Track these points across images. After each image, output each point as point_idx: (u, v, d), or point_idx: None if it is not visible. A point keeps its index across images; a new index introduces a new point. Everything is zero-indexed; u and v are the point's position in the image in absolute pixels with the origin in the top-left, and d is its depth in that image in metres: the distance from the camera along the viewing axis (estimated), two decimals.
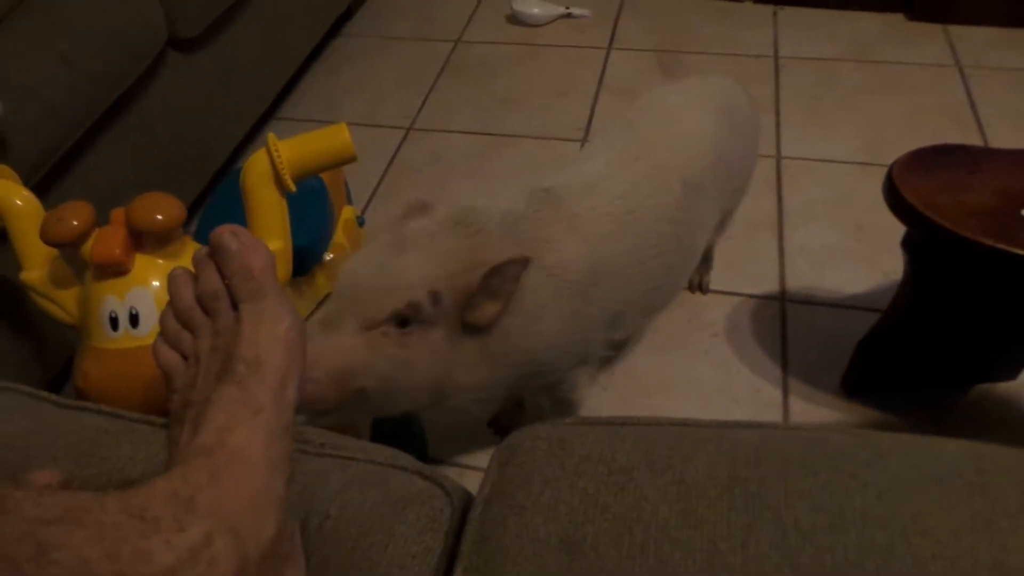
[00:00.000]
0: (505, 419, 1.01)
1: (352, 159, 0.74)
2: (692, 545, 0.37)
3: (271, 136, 0.72)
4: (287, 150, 0.71)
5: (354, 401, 0.62)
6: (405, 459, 0.51)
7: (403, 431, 0.92)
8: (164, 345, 0.48)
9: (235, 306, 0.45)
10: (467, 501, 0.48)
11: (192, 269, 0.49)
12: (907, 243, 0.84)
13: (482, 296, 0.63)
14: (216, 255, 0.46)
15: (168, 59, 1.17)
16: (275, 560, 0.40)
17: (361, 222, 1.21)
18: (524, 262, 0.64)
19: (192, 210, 1.29)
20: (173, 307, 0.48)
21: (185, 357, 0.47)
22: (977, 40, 1.64)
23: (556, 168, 0.83)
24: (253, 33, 1.37)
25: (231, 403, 0.41)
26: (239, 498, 0.38)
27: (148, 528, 0.34)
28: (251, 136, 1.48)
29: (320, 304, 1.06)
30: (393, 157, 1.48)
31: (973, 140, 1.41)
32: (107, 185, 1.07)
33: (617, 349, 1.08)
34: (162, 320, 0.49)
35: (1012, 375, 0.98)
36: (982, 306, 0.82)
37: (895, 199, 0.79)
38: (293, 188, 0.73)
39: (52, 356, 0.96)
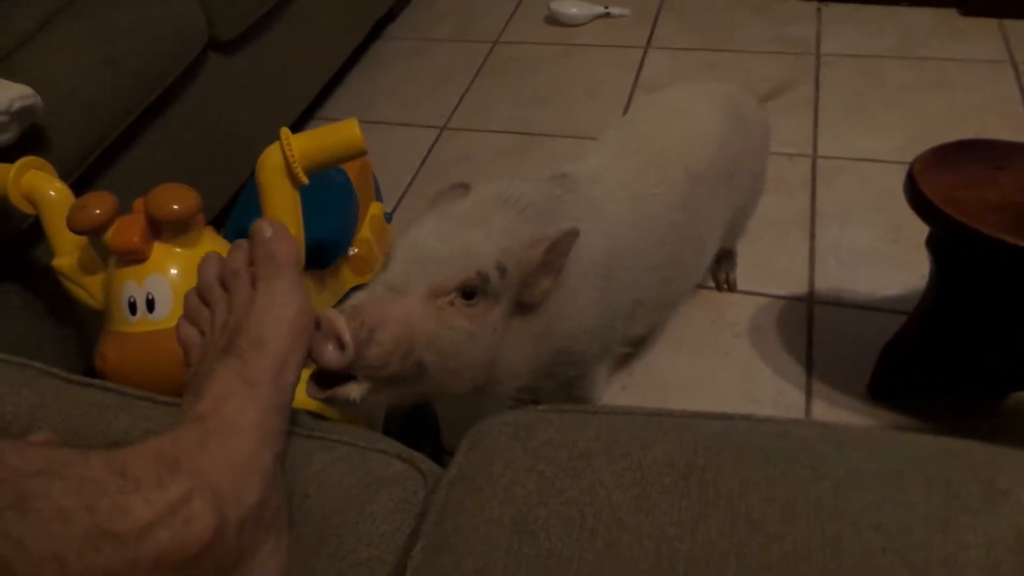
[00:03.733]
0: None
1: (362, 153, 0.75)
2: (641, 531, 0.37)
3: (284, 130, 0.75)
4: (299, 144, 0.73)
5: (413, 375, 0.59)
6: (386, 443, 0.53)
7: (416, 424, 0.94)
8: (185, 322, 0.52)
9: (253, 284, 0.48)
10: None
11: (207, 252, 0.53)
12: (931, 242, 0.81)
13: (541, 272, 0.64)
14: (251, 241, 0.50)
15: (208, 60, 1.22)
16: (256, 528, 0.42)
17: (388, 218, 1.23)
18: (574, 235, 0.64)
19: (230, 205, 1.34)
20: (198, 284, 0.52)
21: (203, 333, 0.51)
22: None
23: (566, 160, 0.84)
24: (292, 36, 1.42)
25: (230, 374, 0.44)
26: (225, 463, 0.40)
27: (128, 484, 0.36)
28: None
29: (344, 297, 1.08)
30: (426, 156, 1.51)
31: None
32: (147, 180, 1.11)
33: (634, 345, 1.08)
34: (186, 297, 0.52)
35: None
36: (1009, 308, 0.79)
37: (915, 195, 0.76)
38: (305, 181, 0.75)
39: (91, 341, 1.01)
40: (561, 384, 0.82)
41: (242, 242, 0.51)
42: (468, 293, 0.59)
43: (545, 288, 0.65)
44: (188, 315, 0.52)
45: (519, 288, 0.64)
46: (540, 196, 0.72)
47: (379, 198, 1.25)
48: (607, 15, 1.81)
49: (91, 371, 1.03)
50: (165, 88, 1.11)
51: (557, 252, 0.64)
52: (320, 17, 1.49)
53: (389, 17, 1.89)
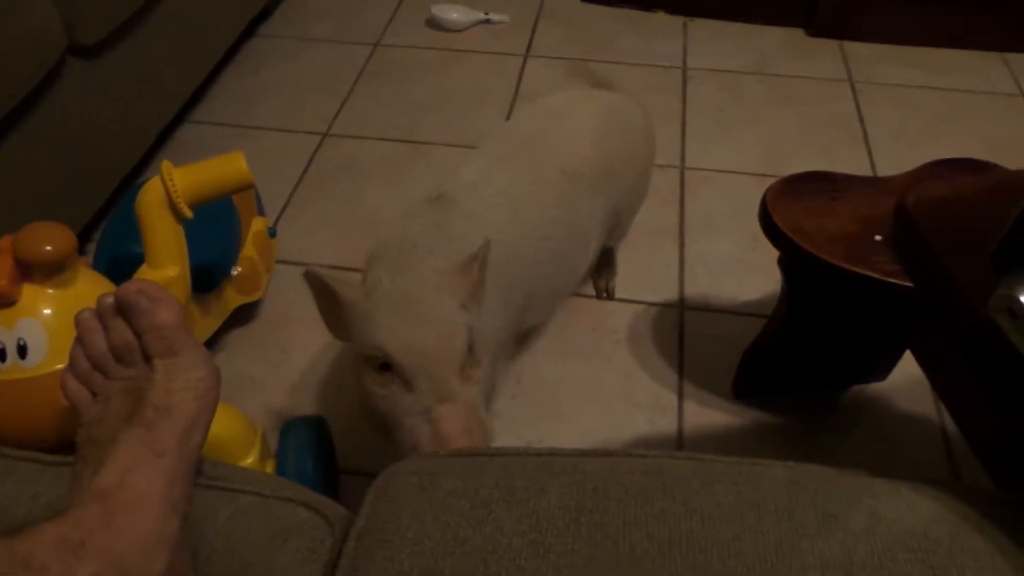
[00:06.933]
0: None
1: (250, 186, 0.75)
2: (539, 573, 0.41)
3: (166, 164, 0.73)
4: (182, 178, 0.72)
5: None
6: (291, 489, 0.54)
7: (311, 443, 0.93)
8: (73, 379, 0.50)
9: (147, 357, 0.48)
10: (349, 531, 0.51)
11: (82, 292, 0.51)
12: (781, 262, 0.91)
13: (480, 284, 0.72)
14: (124, 312, 0.48)
15: (69, 67, 1.15)
16: None
17: (272, 233, 1.21)
18: (488, 244, 0.72)
19: (98, 217, 1.27)
20: (86, 351, 0.50)
21: (94, 394, 0.49)
22: (869, 56, 1.75)
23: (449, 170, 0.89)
24: (161, 37, 1.35)
25: (136, 445, 0.44)
26: (131, 538, 0.41)
27: (35, 575, 0.36)
28: (160, 141, 1.46)
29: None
30: (308, 164, 1.48)
31: (860, 152, 1.51)
32: (6, 196, 1.05)
33: (526, 337, 1.14)
34: (73, 356, 0.51)
35: (882, 377, 1.07)
36: (847, 320, 0.90)
37: (767, 223, 0.85)
38: (189, 215, 0.74)
39: None
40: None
41: (113, 313, 0.49)
42: (469, 347, 0.67)
43: (483, 293, 0.73)
44: (77, 376, 0.50)
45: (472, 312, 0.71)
46: (429, 228, 0.78)
47: (261, 212, 1.22)
48: (487, 22, 1.84)
49: None
50: (22, 98, 1.03)
51: (485, 264, 0.72)
52: (191, 17, 1.43)
53: (264, 14, 1.82)
